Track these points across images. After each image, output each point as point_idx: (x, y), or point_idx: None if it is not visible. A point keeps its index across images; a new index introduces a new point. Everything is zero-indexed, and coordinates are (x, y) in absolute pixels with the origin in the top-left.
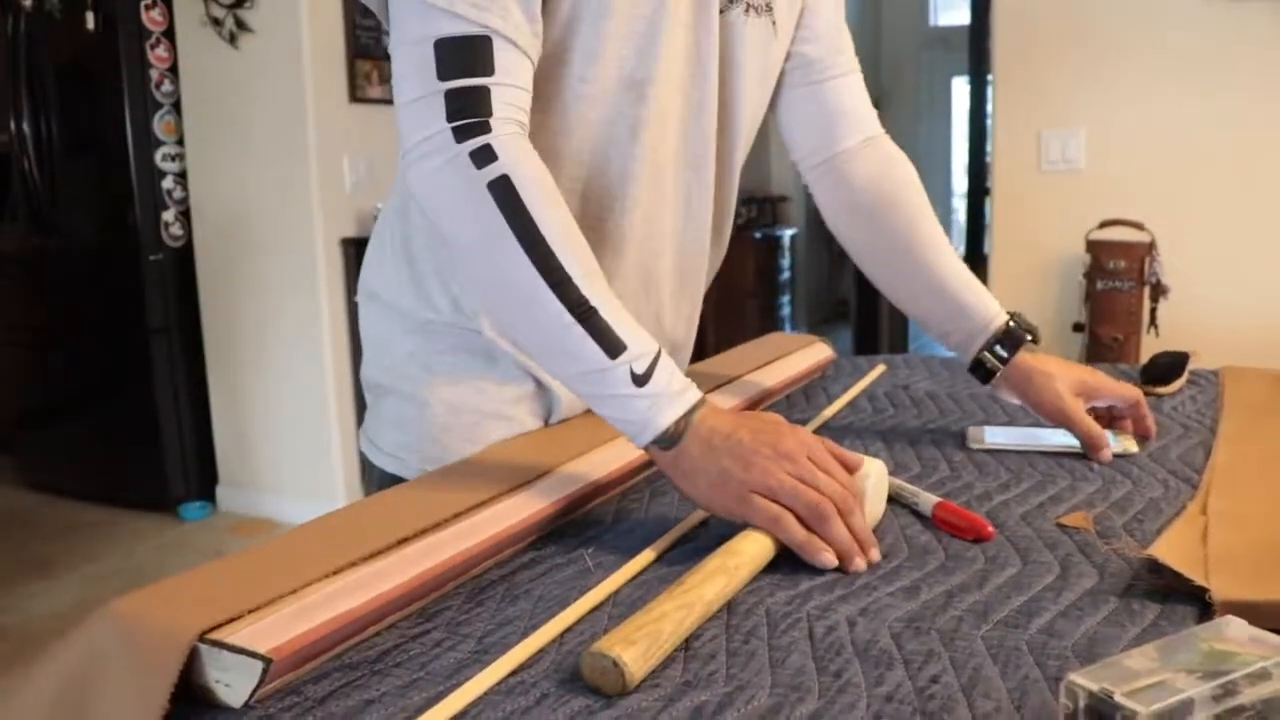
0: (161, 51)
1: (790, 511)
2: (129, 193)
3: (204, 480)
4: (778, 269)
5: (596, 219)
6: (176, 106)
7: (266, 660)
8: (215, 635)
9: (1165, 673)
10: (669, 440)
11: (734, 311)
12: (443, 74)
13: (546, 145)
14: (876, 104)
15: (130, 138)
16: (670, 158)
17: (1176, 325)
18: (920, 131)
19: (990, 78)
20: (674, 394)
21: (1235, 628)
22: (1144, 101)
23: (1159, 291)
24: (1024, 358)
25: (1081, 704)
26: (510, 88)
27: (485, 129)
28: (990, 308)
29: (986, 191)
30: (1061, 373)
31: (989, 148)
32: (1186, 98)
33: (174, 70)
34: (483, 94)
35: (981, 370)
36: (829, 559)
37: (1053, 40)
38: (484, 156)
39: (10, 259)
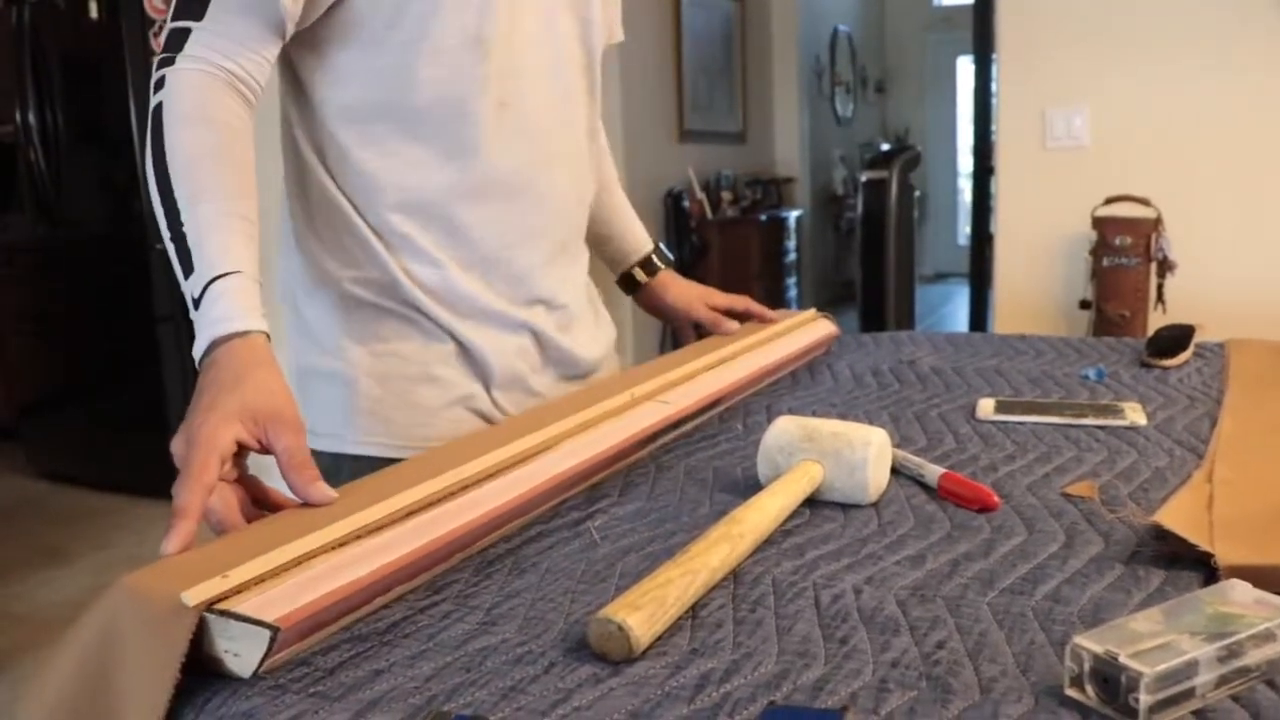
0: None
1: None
2: (134, 181)
3: None
4: (783, 251)
5: (457, 171)
6: None
7: (274, 629)
8: (223, 605)
9: (1170, 635)
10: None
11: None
12: (172, 17)
13: (399, 103)
14: (880, 85)
15: (135, 126)
16: (532, 113)
17: (1184, 300)
18: (925, 111)
19: (995, 56)
20: (200, 333)
21: (1240, 591)
22: (1148, 77)
23: (1166, 267)
24: (660, 276)
25: (1087, 666)
26: (216, 35)
27: (170, 63)
28: (642, 237)
29: (991, 170)
30: (685, 287)
31: (994, 127)
32: (1190, 73)
33: None
34: (182, 34)
35: (629, 283)
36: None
37: (1056, 18)
38: (157, 86)
39: (17, 249)
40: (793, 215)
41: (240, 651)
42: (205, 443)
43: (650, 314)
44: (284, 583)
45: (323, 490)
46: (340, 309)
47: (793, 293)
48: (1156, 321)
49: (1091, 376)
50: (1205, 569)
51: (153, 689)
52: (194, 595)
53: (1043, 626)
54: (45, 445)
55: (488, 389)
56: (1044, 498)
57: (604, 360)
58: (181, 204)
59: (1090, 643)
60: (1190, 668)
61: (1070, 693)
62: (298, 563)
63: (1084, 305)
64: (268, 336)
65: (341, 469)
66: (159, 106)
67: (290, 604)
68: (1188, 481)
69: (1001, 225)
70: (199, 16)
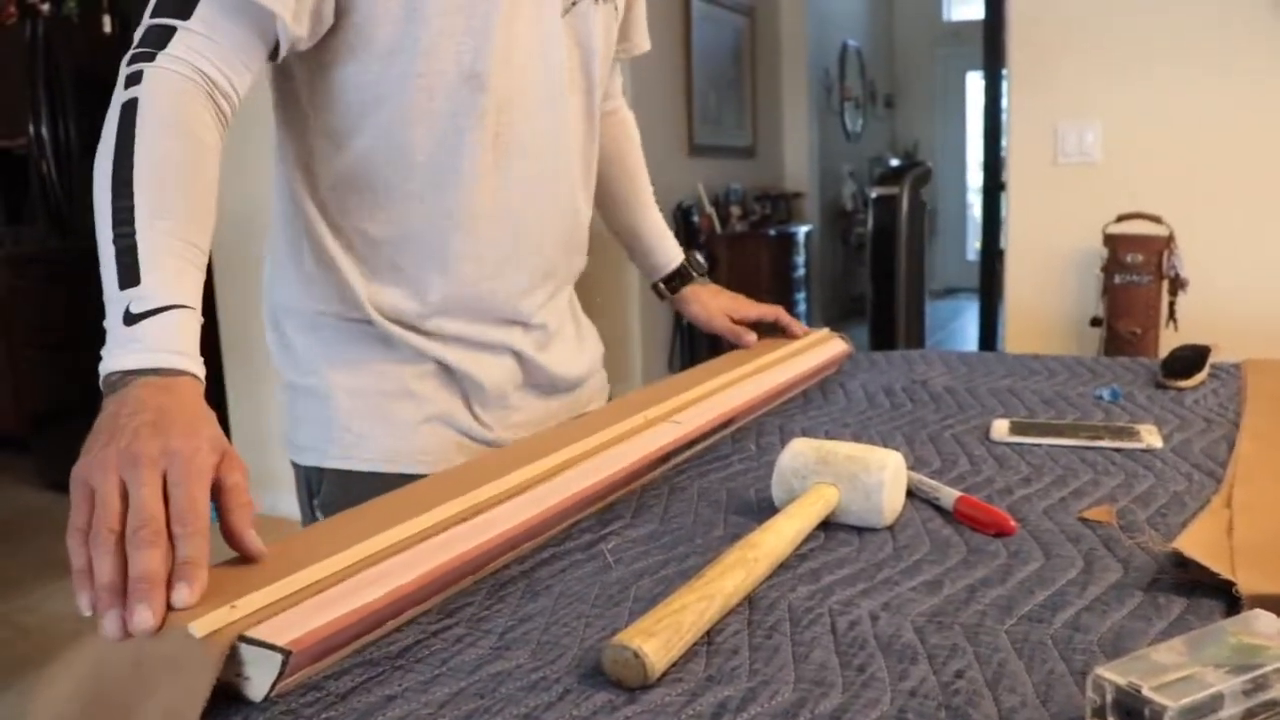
0: None
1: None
2: None
3: None
4: (793, 266)
5: (446, 202)
6: None
7: (286, 653)
8: (235, 629)
9: (1194, 667)
10: (108, 387)
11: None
12: (152, 13)
13: (395, 137)
14: (889, 100)
15: None
16: (520, 144)
17: (1196, 319)
18: (934, 126)
19: (1005, 72)
20: (144, 349)
21: (1264, 621)
22: (1160, 94)
23: (1178, 285)
24: (684, 291)
25: (1109, 698)
26: (204, 38)
27: (149, 58)
28: (671, 253)
29: (1002, 186)
30: (708, 299)
31: (1004, 142)
32: (1203, 90)
33: None
34: (165, 31)
35: (660, 293)
36: (80, 600)
37: (1068, 34)
38: (132, 80)
39: (29, 260)
40: (802, 230)
41: (252, 675)
42: (205, 472)
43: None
44: (296, 606)
45: (255, 541)
46: (319, 332)
47: (801, 308)
48: (1168, 339)
49: (1106, 397)
50: (1227, 597)
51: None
52: (207, 624)
53: (1062, 656)
54: (55, 456)
55: (469, 405)
56: (1061, 522)
57: (588, 377)
58: (139, 214)
59: (1113, 674)
60: (1215, 701)
61: None
62: (313, 589)
63: (1095, 323)
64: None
65: (322, 482)
66: (132, 102)
67: (302, 627)
68: (1207, 507)
69: (1012, 241)
70: (185, 15)
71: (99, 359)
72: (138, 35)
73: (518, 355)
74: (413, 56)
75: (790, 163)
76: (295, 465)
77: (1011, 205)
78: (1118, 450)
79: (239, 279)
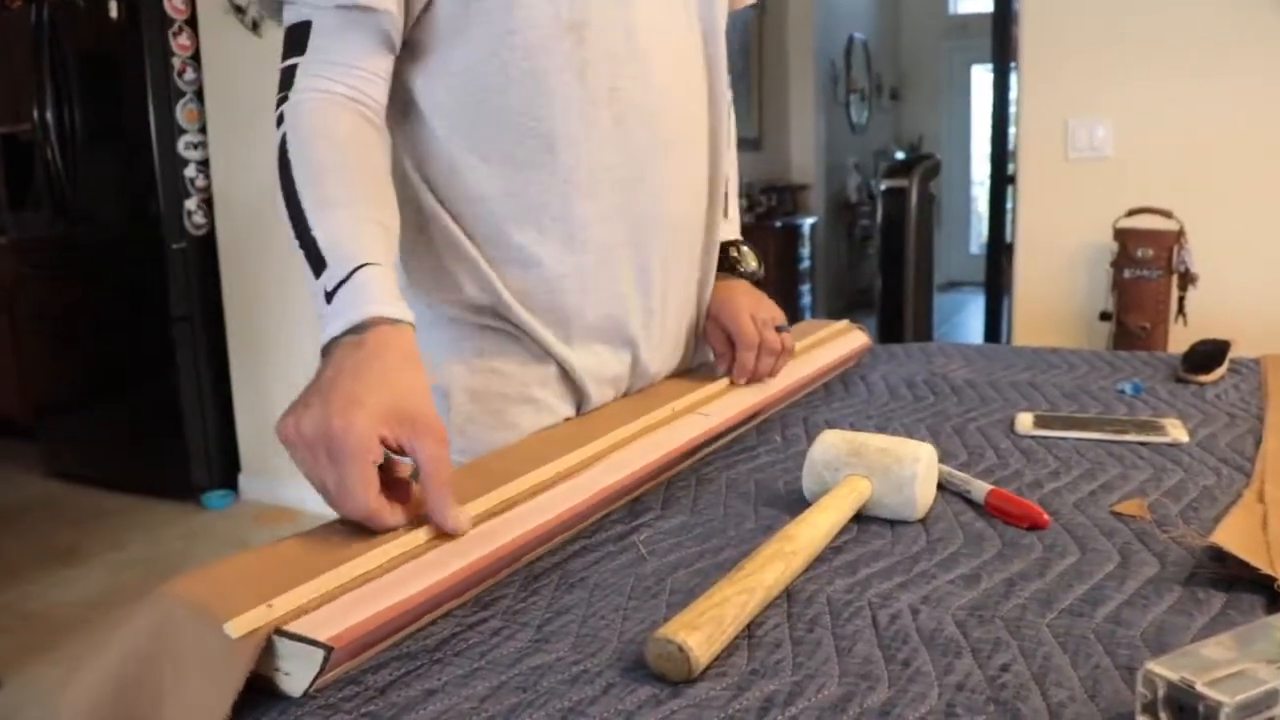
0: (184, 39)
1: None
2: (152, 181)
3: (227, 469)
4: (798, 258)
5: (565, 164)
6: (199, 94)
7: (327, 648)
8: (280, 625)
9: (1244, 662)
10: (323, 354)
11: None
12: (281, 59)
13: (495, 97)
14: (895, 93)
15: (153, 126)
16: (646, 98)
17: (1205, 313)
18: (939, 119)
19: (1014, 65)
20: (338, 314)
21: None
22: (1171, 89)
23: (1187, 280)
24: (723, 281)
25: (1161, 693)
26: (321, 63)
27: (284, 100)
28: (724, 233)
29: (1009, 179)
30: (736, 294)
31: (1012, 135)
32: (1214, 86)
33: (196, 58)
34: (289, 71)
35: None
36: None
37: (1079, 29)
38: (279, 122)
39: (33, 247)
40: (807, 222)
41: (291, 670)
42: (358, 453)
43: None
44: (335, 601)
45: (459, 516)
46: (442, 329)
47: (806, 300)
48: (1177, 334)
49: (1128, 391)
50: (1267, 592)
51: (208, 711)
52: (246, 621)
53: (1106, 650)
54: (60, 445)
55: (578, 410)
56: (1093, 516)
57: (662, 374)
58: (309, 214)
59: (1164, 669)
60: (1270, 697)
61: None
62: (351, 584)
63: (1104, 317)
64: (413, 329)
65: None
66: (281, 140)
67: (343, 623)
68: (1239, 501)
69: (1022, 235)
70: (302, 50)
71: (104, 347)
72: (278, 86)
73: (635, 356)
74: (506, 12)
75: (796, 155)
76: None
77: (1022, 199)
78: (1144, 444)
79: (244, 270)
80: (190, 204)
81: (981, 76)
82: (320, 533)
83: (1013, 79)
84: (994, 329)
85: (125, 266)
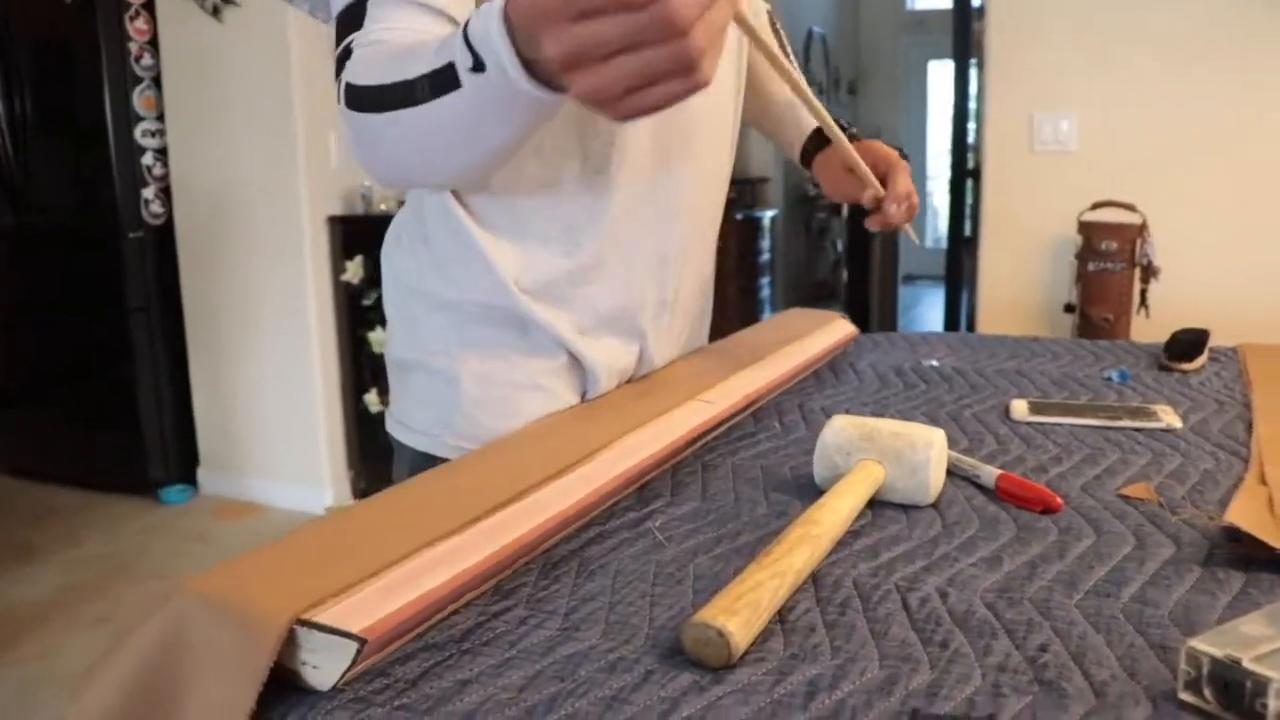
0: (141, 24)
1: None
2: (108, 169)
3: (185, 463)
4: (757, 250)
5: (599, 159)
6: (157, 81)
7: (361, 640)
8: (305, 615)
9: None
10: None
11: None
12: (336, 44)
13: None
14: (853, 87)
15: (109, 113)
16: None
17: (1166, 305)
18: (897, 113)
19: (975, 60)
20: (480, 41)
21: None
22: (1136, 84)
23: (1150, 272)
24: (822, 155)
25: (1205, 670)
26: (378, 29)
27: (341, 69)
28: (808, 119)
29: (970, 174)
30: (837, 155)
31: (972, 130)
32: (1178, 80)
33: (154, 44)
34: (345, 51)
35: (804, 162)
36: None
37: (1044, 23)
38: (338, 96)
39: None
40: (767, 215)
41: (320, 664)
42: None
43: None
44: (361, 591)
45: None
46: (453, 313)
47: (766, 293)
48: (1139, 326)
49: (1115, 379)
50: None
51: (230, 706)
52: (280, 606)
53: (1138, 629)
54: (12, 439)
55: (583, 398)
56: (1102, 499)
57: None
58: (412, 79)
59: (1208, 646)
60: None
61: (1185, 696)
62: (373, 574)
63: (1069, 309)
64: None
65: (430, 468)
66: (343, 95)
67: (373, 614)
68: (1242, 484)
69: (987, 227)
70: (359, 25)
71: (58, 339)
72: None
73: (644, 347)
74: None
75: (755, 148)
76: (399, 444)
77: (987, 192)
78: (1139, 430)
79: (203, 260)
80: (148, 193)
81: (938, 71)
82: (332, 523)
83: (973, 74)
84: (954, 322)
85: (80, 256)
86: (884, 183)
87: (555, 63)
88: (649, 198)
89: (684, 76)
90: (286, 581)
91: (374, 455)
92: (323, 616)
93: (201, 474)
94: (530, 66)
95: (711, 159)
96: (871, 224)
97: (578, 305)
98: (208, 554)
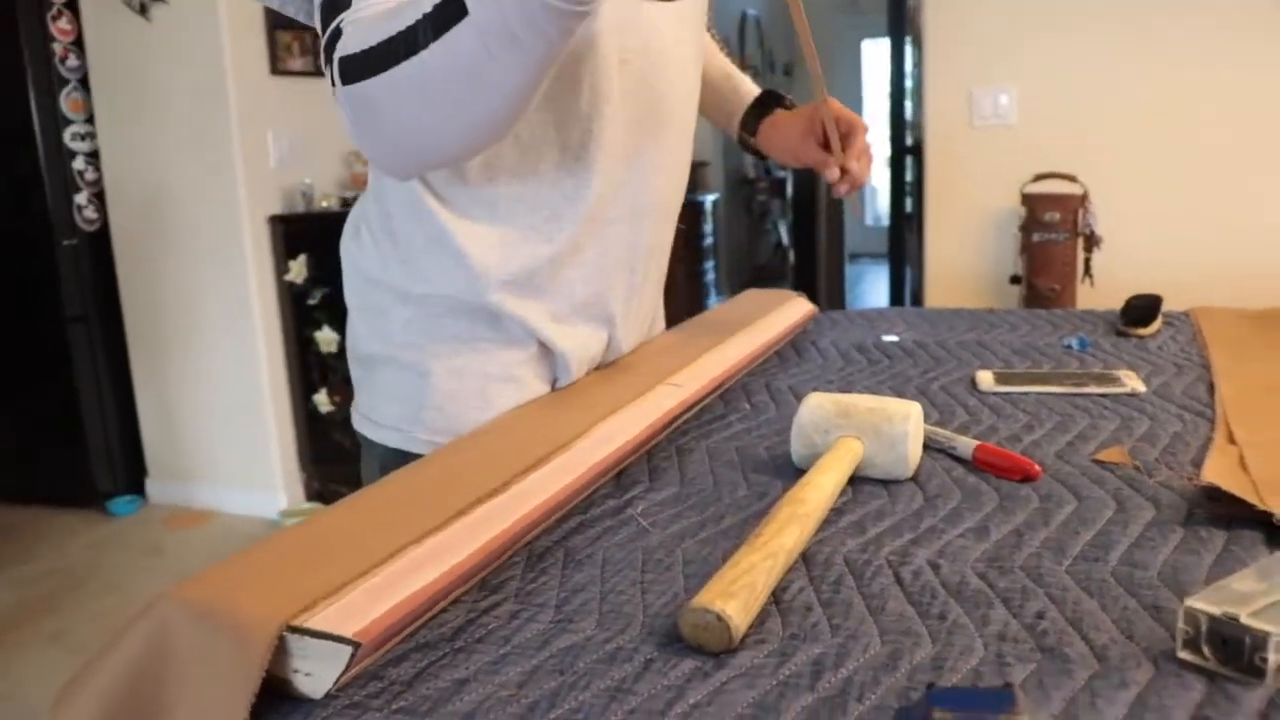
0: (64, 24)
1: None
2: (37, 175)
3: (132, 473)
4: (701, 235)
5: (578, 148)
6: (84, 83)
7: (355, 644)
8: (296, 621)
9: (1276, 594)
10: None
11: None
12: (322, 29)
13: None
14: (788, 69)
15: (35, 117)
16: (652, 71)
17: (1109, 274)
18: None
19: (910, 38)
20: None
21: None
22: (1071, 57)
23: (1093, 241)
24: (768, 120)
25: (1204, 628)
26: (364, 4)
27: (332, 52)
28: (747, 88)
29: (909, 150)
30: (792, 118)
31: (909, 107)
32: (1113, 52)
33: (79, 44)
34: (335, 31)
35: (746, 144)
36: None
37: (980, 1)
38: (331, 80)
39: None
40: (708, 199)
41: (313, 670)
42: None
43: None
44: (350, 593)
45: None
46: (423, 306)
47: (710, 276)
48: (1084, 295)
49: (1076, 346)
50: (1263, 528)
51: (227, 713)
52: (270, 613)
53: (1129, 592)
54: None
55: (553, 388)
56: (1079, 465)
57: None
58: (415, 24)
59: (1206, 604)
60: None
61: (1184, 655)
62: (360, 574)
63: (1015, 280)
64: None
65: (401, 465)
66: (336, 74)
67: (365, 616)
68: (1212, 444)
69: (931, 203)
70: (347, 4)
71: None
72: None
73: (611, 334)
74: None
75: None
76: (367, 441)
77: (929, 168)
78: (1105, 395)
79: (141, 265)
80: (80, 198)
81: (871, 51)
82: (314, 525)
83: (908, 51)
84: (899, 298)
85: (12, 265)
86: (844, 141)
87: None
88: (625, 182)
89: None
90: (274, 586)
91: (326, 457)
92: (314, 621)
93: (150, 483)
94: None
95: (680, 140)
96: (840, 187)
97: (556, 292)
98: (161, 565)
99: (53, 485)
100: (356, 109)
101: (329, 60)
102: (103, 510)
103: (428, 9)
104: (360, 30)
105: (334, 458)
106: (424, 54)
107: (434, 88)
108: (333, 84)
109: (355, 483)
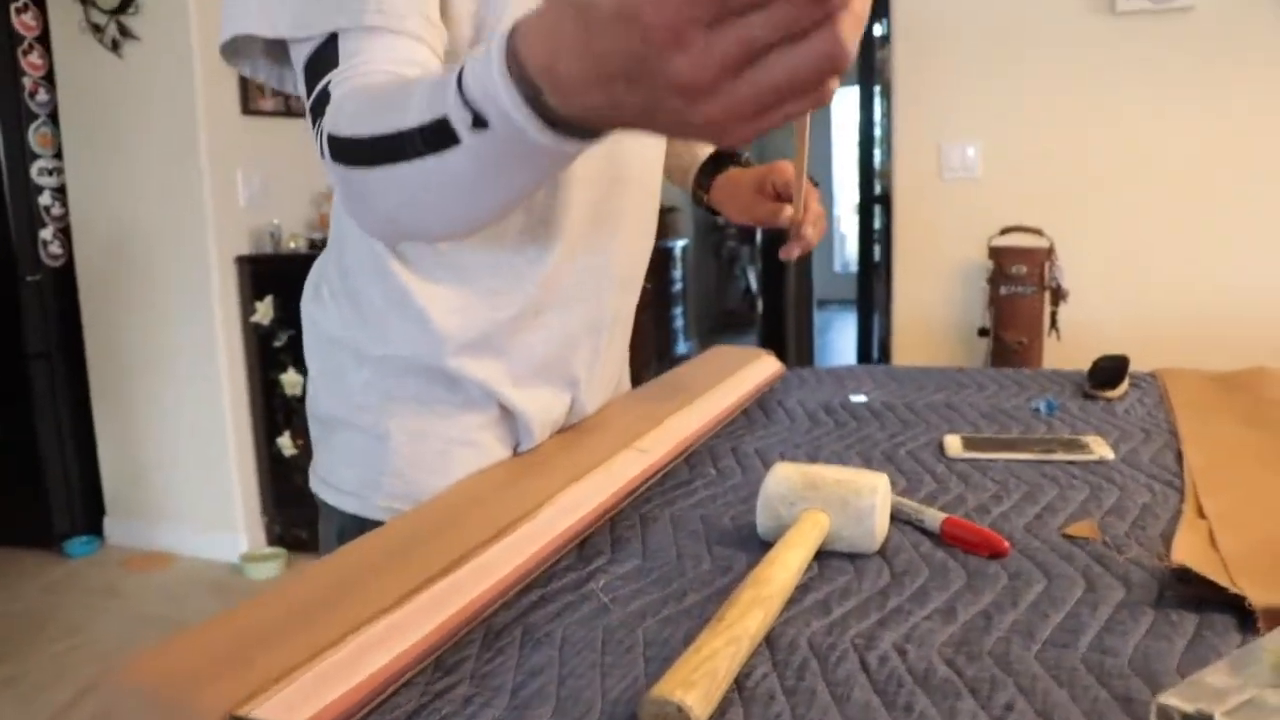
0: (35, 58)
1: None
2: (2, 209)
3: (90, 513)
4: (670, 280)
5: (543, 210)
6: (53, 117)
7: None
8: (241, 711)
9: (1250, 690)
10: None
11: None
12: (307, 92)
13: None
14: None
15: (2, 150)
16: (607, 142)
17: (1076, 327)
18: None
19: (878, 89)
20: (486, 82)
21: None
22: (1036, 113)
23: (1059, 295)
24: (722, 177)
25: None
26: (351, 65)
27: (320, 116)
28: (702, 147)
29: (878, 200)
30: (745, 175)
31: (878, 157)
32: (1078, 108)
33: (50, 78)
34: (323, 94)
35: (699, 201)
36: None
37: (949, 56)
38: (320, 147)
39: None
40: (678, 245)
41: None
42: None
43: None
44: (300, 678)
45: None
46: (381, 367)
47: (679, 322)
48: (1051, 349)
49: (1043, 410)
50: (1236, 611)
51: None
52: (214, 702)
53: (1100, 681)
54: None
55: (515, 453)
56: (1047, 540)
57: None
58: (403, 133)
59: (1179, 701)
60: None
61: None
62: (309, 658)
63: (983, 333)
64: None
65: (360, 531)
66: (326, 148)
67: (312, 704)
68: (1182, 519)
69: (900, 254)
70: (335, 63)
71: None
72: (310, 120)
73: (575, 396)
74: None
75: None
76: (325, 506)
77: (898, 219)
78: (1072, 463)
79: (105, 303)
80: (45, 234)
81: (839, 100)
82: (265, 601)
83: (877, 102)
84: (867, 346)
85: None
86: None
87: (633, 108)
88: (589, 244)
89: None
90: (222, 669)
91: (288, 500)
92: (261, 711)
93: (108, 523)
94: (544, 112)
95: (644, 203)
96: (789, 250)
97: (515, 354)
98: (117, 608)
99: (8, 525)
100: (346, 185)
101: (316, 123)
102: (59, 551)
103: (416, 125)
104: (351, 105)
105: (296, 501)
106: (417, 163)
107: (425, 196)
108: (321, 152)
109: (316, 527)
